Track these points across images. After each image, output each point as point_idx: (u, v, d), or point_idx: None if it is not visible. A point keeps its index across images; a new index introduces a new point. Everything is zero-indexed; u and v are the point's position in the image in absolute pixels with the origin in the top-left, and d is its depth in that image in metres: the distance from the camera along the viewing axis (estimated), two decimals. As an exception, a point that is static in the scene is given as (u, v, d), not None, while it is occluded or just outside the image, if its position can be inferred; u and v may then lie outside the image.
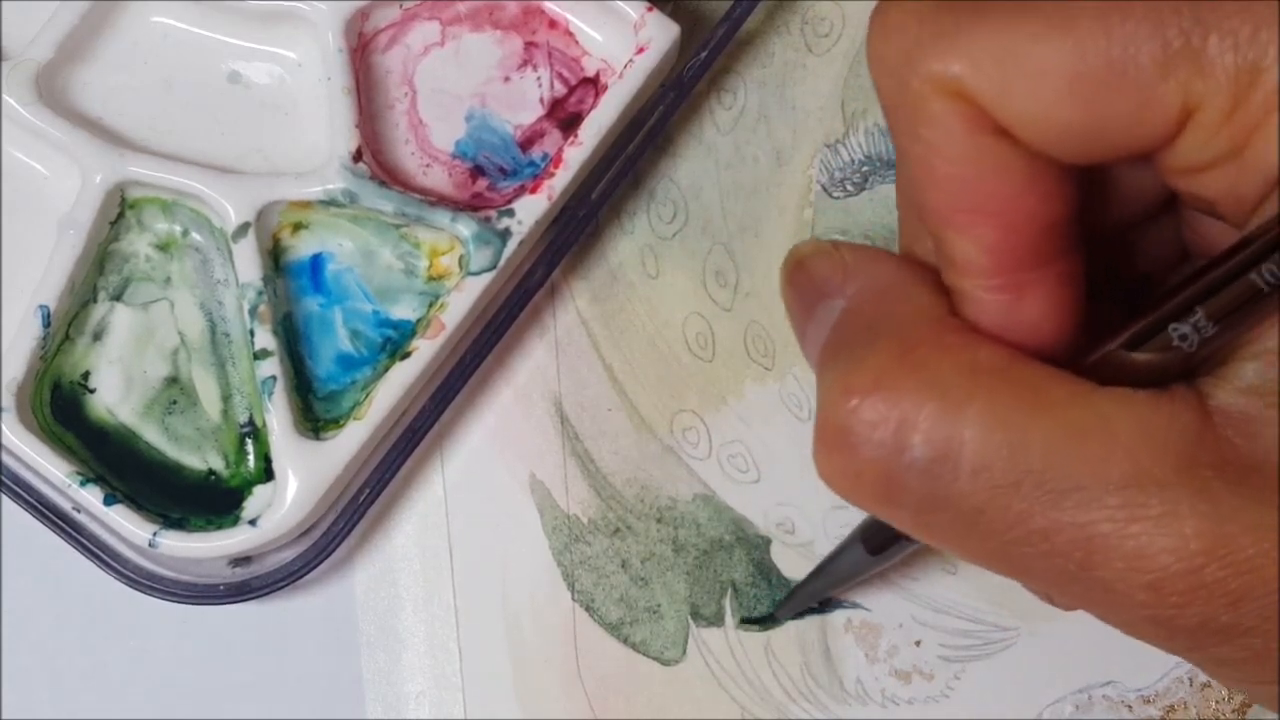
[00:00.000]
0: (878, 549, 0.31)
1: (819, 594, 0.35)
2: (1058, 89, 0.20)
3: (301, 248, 0.36)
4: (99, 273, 0.35)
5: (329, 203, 0.35)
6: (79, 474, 0.33)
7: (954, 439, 0.21)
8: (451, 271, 0.36)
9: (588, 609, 0.36)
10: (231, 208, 0.35)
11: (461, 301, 0.34)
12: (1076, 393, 0.21)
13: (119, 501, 0.34)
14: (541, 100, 0.37)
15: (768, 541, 0.36)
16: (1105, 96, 0.20)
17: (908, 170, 0.23)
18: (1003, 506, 0.21)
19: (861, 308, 0.24)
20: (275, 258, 0.36)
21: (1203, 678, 0.36)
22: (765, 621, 0.36)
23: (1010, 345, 0.22)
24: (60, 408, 0.35)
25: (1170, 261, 0.26)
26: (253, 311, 0.34)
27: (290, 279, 0.36)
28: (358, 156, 0.35)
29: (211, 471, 0.35)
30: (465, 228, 0.35)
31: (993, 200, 0.21)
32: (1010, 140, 0.21)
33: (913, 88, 0.21)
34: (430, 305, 0.36)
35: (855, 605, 0.36)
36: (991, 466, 0.21)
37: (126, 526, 0.33)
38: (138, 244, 0.36)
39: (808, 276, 0.25)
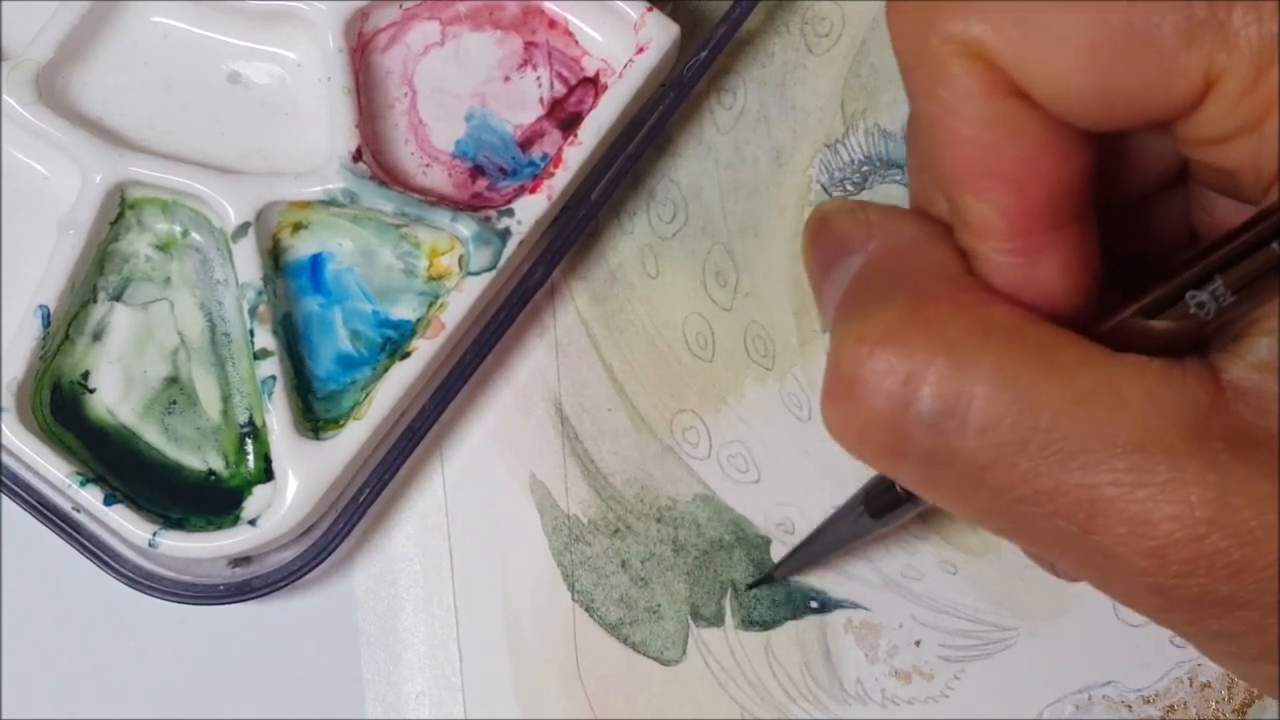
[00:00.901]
0: (879, 512, 0.31)
1: (818, 556, 0.35)
2: (1078, 54, 0.20)
3: (301, 248, 0.36)
4: (99, 273, 0.35)
5: (329, 203, 0.35)
6: (79, 474, 0.33)
7: (963, 394, 0.21)
8: (451, 271, 0.36)
9: (588, 609, 0.36)
10: (231, 208, 0.35)
11: (461, 301, 0.34)
12: (1088, 356, 0.21)
13: (119, 501, 0.34)
14: (541, 100, 0.37)
15: (768, 541, 0.36)
16: (1126, 63, 0.20)
17: (923, 134, 0.23)
18: (1008, 464, 0.21)
19: (879, 264, 0.24)
20: (275, 258, 0.36)
21: (1203, 678, 0.36)
22: (765, 582, 0.36)
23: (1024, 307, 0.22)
24: (60, 408, 0.35)
25: (1176, 242, 0.26)
26: (253, 311, 0.34)
27: (290, 279, 0.36)
28: (358, 156, 0.35)
29: (211, 471, 0.35)
30: (465, 228, 0.35)
31: (1009, 163, 0.21)
32: (1029, 103, 0.21)
33: (932, 48, 0.21)
34: (430, 305, 0.36)
35: (855, 605, 0.36)
36: (999, 424, 0.21)
37: (126, 526, 0.33)
38: (138, 244, 0.36)
39: (830, 234, 0.25)
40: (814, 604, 0.36)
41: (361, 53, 0.37)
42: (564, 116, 0.37)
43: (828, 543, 0.34)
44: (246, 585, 0.34)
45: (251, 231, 0.35)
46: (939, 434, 0.21)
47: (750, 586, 0.36)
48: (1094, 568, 0.21)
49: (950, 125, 0.21)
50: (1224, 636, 0.21)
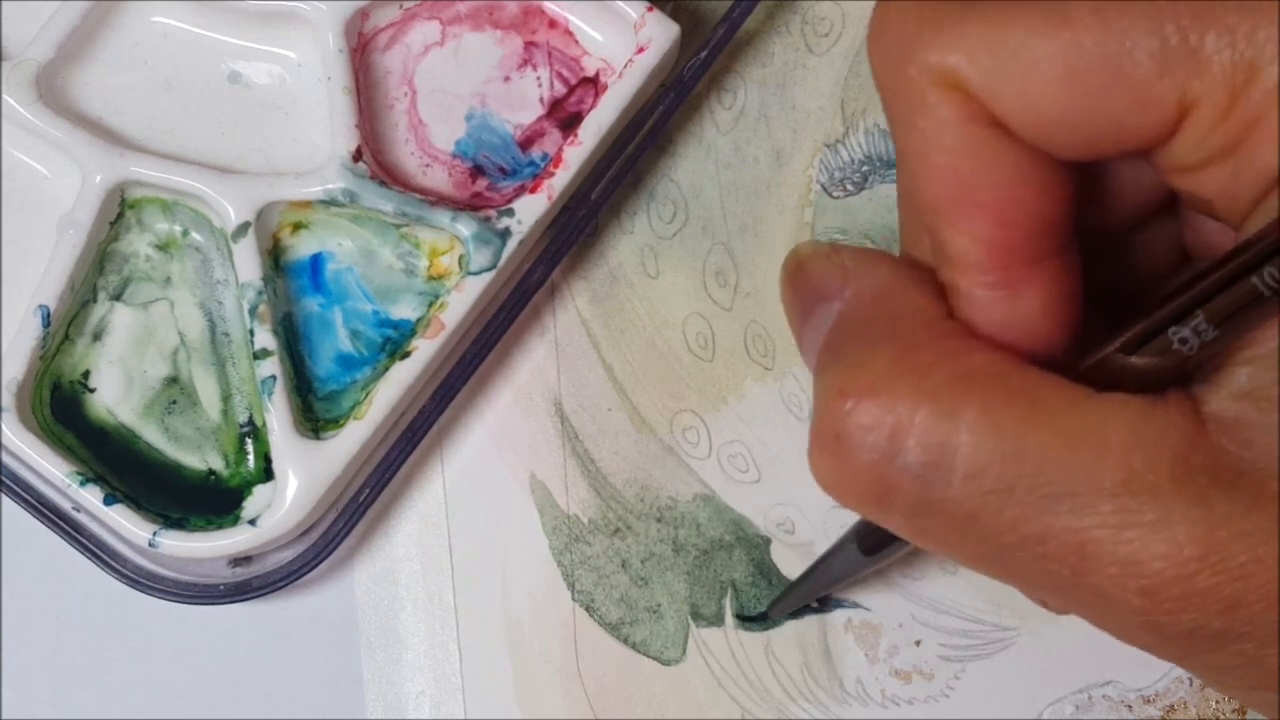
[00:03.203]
0: (872, 549, 0.31)
1: (813, 593, 0.35)
2: (1053, 82, 0.20)
3: (301, 247, 0.36)
4: (99, 273, 0.35)
5: (329, 202, 0.35)
6: (79, 474, 0.33)
7: (948, 444, 0.21)
8: (451, 271, 0.36)
9: (588, 609, 0.36)
10: (231, 208, 0.35)
11: (461, 301, 0.34)
12: (1071, 399, 0.21)
13: (119, 501, 0.34)
14: (541, 100, 0.37)
15: (768, 541, 0.36)
16: (1101, 91, 0.20)
17: (905, 166, 0.23)
18: (996, 512, 0.21)
19: (858, 311, 0.24)
20: (275, 257, 0.36)
21: (1203, 678, 0.36)
22: (759, 620, 0.36)
23: (1006, 344, 0.22)
24: (60, 408, 0.35)
25: (1172, 266, 0.26)
26: (253, 311, 0.34)
27: (290, 279, 0.36)
28: (358, 156, 0.35)
29: (211, 471, 0.35)
30: (465, 227, 0.35)
31: (988, 193, 0.21)
32: (1006, 133, 0.21)
33: (910, 78, 0.21)
34: (430, 305, 0.36)
35: (855, 605, 0.36)
36: (985, 472, 0.21)
37: (126, 526, 0.33)
38: (138, 244, 0.36)
39: (806, 279, 0.25)
40: (814, 604, 0.36)
41: (361, 53, 0.37)
42: (564, 116, 0.37)
43: (822, 580, 0.34)
44: (246, 585, 0.34)
45: (251, 231, 0.35)
46: (925, 484, 0.21)
47: (745, 622, 0.36)
48: (1087, 607, 0.22)
49: (929, 156, 0.21)
50: (1220, 669, 0.21)
